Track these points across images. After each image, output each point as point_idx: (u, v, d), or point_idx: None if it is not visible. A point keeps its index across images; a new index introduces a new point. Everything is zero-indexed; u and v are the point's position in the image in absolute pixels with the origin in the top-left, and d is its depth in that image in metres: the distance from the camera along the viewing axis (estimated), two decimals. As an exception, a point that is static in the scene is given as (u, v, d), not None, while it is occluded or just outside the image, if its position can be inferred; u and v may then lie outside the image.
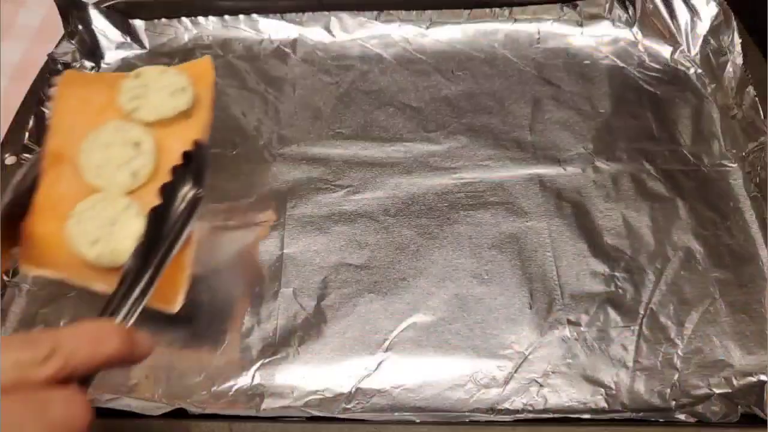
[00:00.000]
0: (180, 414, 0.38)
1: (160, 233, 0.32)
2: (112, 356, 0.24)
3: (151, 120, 0.37)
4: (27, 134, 0.49)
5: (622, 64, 0.57)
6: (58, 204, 0.35)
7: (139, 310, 0.29)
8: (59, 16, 0.56)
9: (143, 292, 0.30)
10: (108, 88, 0.38)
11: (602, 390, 0.39)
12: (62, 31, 0.56)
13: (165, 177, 0.35)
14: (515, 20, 0.60)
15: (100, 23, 0.58)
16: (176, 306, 0.36)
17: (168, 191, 0.34)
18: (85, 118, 0.37)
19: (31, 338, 0.22)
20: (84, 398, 0.23)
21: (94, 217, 0.34)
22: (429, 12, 0.59)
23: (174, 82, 0.38)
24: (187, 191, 0.34)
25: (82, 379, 0.24)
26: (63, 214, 0.35)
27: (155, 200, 0.34)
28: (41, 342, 0.22)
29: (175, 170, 0.34)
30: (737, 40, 0.54)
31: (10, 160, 0.48)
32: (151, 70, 0.39)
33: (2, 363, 0.21)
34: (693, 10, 0.57)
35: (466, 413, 0.39)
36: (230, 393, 0.39)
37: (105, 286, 0.35)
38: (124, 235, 0.34)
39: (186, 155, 0.35)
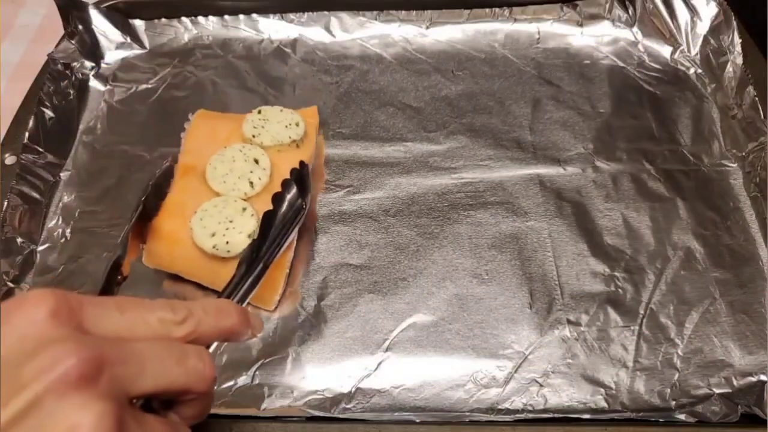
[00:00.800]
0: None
1: (270, 233, 0.39)
2: (230, 330, 0.28)
3: (268, 144, 0.45)
4: (27, 134, 0.48)
5: (622, 64, 0.57)
6: (185, 206, 0.42)
7: (250, 296, 0.35)
8: (59, 16, 0.56)
9: (254, 281, 0.36)
10: (233, 123, 0.46)
11: (602, 390, 0.39)
12: (62, 31, 0.56)
13: (277, 189, 0.42)
14: (515, 20, 0.60)
15: (100, 23, 0.58)
16: (273, 305, 0.42)
17: (278, 199, 0.40)
18: (213, 142, 0.45)
19: (172, 303, 0.26)
20: (211, 357, 0.27)
21: (214, 215, 0.41)
22: (429, 12, 0.59)
23: (289, 117, 0.46)
24: (293, 200, 0.40)
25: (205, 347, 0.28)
26: (188, 215, 0.41)
27: (268, 206, 0.40)
28: (179, 307, 0.26)
29: (284, 183, 0.41)
30: (737, 40, 0.54)
31: (10, 160, 0.48)
32: (271, 109, 0.47)
33: (150, 318, 0.25)
34: (693, 10, 0.57)
35: (466, 413, 0.39)
36: (230, 393, 0.39)
37: (213, 282, 0.42)
38: (239, 230, 0.40)
39: (293, 171, 0.42)
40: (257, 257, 0.37)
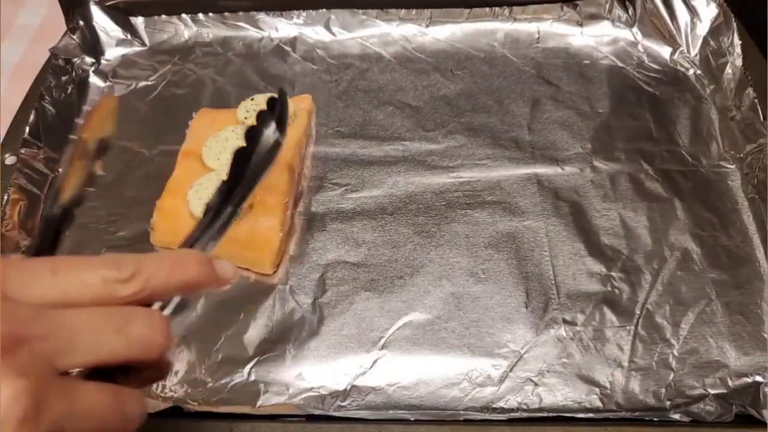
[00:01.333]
0: (177, 413, 0.38)
1: (243, 173, 0.34)
2: (190, 280, 0.25)
3: None
4: (27, 134, 0.49)
5: (621, 65, 0.57)
6: (185, 185, 0.45)
7: (217, 242, 0.31)
8: (59, 16, 0.56)
9: (222, 228, 0.32)
10: (231, 114, 0.50)
11: (597, 389, 0.39)
12: (61, 32, 0.56)
13: None
14: (515, 20, 0.60)
15: (100, 19, 0.58)
16: (271, 268, 0.44)
17: (253, 134, 0.36)
18: (211, 129, 0.49)
19: (116, 259, 0.23)
20: (163, 321, 0.24)
21: (208, 186, 0.44)
22: (429, 11, 0.59)
23: None
24: (270, 135, 0.37)
25: (162, 305, 0.26)
26: (187, 192, 0.45)
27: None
28: (125, 263, 0.23)
29: (260, 115, 0.37)
30: (737, 42, 0.54)
31: (10, 159, 0.48)
32: (263, 95, 0.50)
33: (89, 278, 0.22)
34: (693, 11, 0.57)
35: (461, 411, 0.39)
36: (226, 390, 0.39)
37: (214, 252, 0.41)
38: None
39: (270, 101, 0.38)
40: (227, 200, 0.33)
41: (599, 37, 0.59)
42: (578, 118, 0.53)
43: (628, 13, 0.59)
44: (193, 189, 0.45)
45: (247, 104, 0.50)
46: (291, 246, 0.46)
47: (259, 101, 0.50)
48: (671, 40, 0.58)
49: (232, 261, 0.43)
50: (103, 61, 0.58)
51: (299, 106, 0.51)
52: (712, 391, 0.39)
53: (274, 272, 0.45)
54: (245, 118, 0.49)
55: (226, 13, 0.60)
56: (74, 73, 0.55)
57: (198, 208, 0.43)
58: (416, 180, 0.50)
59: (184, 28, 0.60)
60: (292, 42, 0.59)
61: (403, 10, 0.59)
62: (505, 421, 0.38)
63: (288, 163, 0.47)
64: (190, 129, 0.50)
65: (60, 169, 0.50)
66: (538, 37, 0.59)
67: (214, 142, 0.47)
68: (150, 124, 0.54)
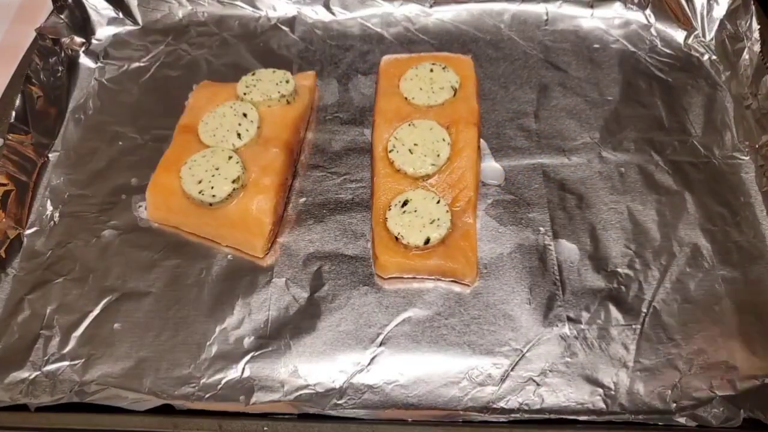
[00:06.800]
0: (168, 410, 0.37)
1: None
2: None
3: (258, 100, 0.47)
4: (14, 119, 0.47)
5: (633, 49, 0.55)
6: (179, 161, 0.44)
7: None
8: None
9: None
10: (231, 89, 0.49)
11: (601, 390, 0.38)
12: (43, 10, 0.54)
13: (265, 142, 0.44)
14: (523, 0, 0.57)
15: (91, -3, 0.56)
16: (262, 252, 0.43)
17: None
18: (210, 104, 0.47)
19: None
20: None
21: (202, 164, 0.43)
22: (433, -10, 0.57)
23: (280, 76, 0.49)
24: None
25: None
26: (180, 168, 0.43)
27: (256, 156, 0.43)
28: None
29: None
30: (755, 26, 0.51)
31: (-3, 143, 0.46)
32: (264, 71, 0.49)
33: None
34: (710, -8, 0.54)
35: (460, 411, 0.38)
36: (219, 386, 0.38)
37: (203, 230, 0.44)
38: (224, 176, 0.42)
39: None
40: None
41: (610, 20, 0.56)
42: (586, 106, 0.51)
43: (641, -7, 0.56)
44: (186, 165, 0.44)
45: (247, 79, 0.49)
46: (285, 229, 0.45)
47: (260, 75, 0.49)
48: (686, 23, 0.55)
49: (223, 241, 0.44)
50: (93, 41, 0.56)
51: (302, 83, 0.49)
52: (720, 393, 0.38)
53: (266, 255, 0.43)
54: (244, 94, 0.48)
55: (222, -9, 0.58)
56: (63, 54, 0.53)
57: (191, 186, 0.43)
58: (417, 169, 0.48)
59: (178, 7, 0.58)
60: (291, 22, 0.57)
61: (406, -11, 0.57)
62: (505, 422, 0.37)
63: (286, 142, 0.46)
64: (189, 102, 0.49)
65: (50, 155, 0.49)
66: (547, 19, 0.57)
67: (210, 118, 0.46)
68: (142, 108, 0.52)
